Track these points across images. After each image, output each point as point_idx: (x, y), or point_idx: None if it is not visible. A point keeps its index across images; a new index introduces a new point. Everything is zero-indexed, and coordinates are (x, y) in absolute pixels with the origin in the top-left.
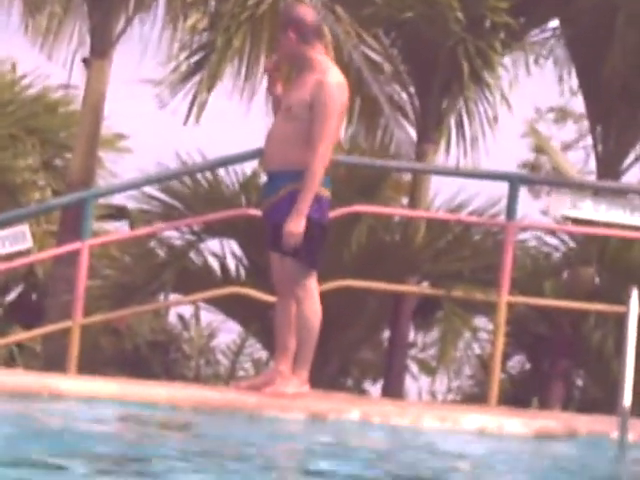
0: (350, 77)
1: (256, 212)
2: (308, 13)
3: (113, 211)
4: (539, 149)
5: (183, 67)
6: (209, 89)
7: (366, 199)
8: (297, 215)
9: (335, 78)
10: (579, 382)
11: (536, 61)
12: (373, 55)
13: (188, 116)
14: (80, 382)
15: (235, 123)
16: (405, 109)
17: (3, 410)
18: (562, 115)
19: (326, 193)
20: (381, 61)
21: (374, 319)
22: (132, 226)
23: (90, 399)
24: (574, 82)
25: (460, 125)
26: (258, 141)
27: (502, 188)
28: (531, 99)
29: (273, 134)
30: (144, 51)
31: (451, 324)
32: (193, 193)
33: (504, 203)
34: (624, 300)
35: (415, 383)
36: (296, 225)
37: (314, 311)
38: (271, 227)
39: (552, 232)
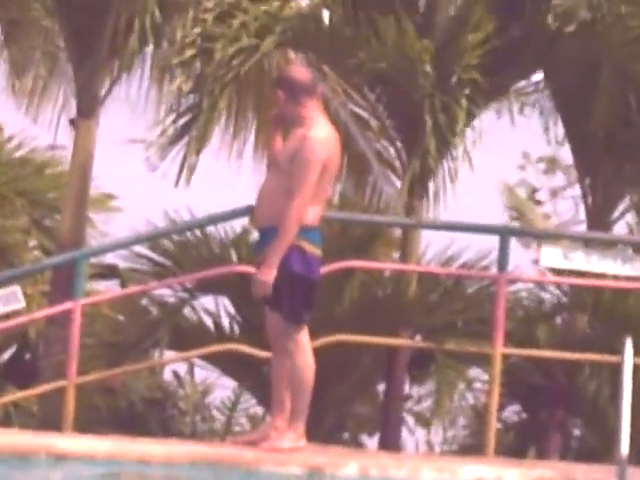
0: (338, 134)
1: (247, 269)
2: (299, 72)
3: (104, 270)
4: (514, 208)
5: (170, 130)
6: (198, 151)
7: (359, 255)
8: (266, 265)
9: (320, 133)
10: (576, 432)
11: (521, 111)
12: (360, 111)
13: (178, 178)
14: (77, 441)
15: (224, 182)
16: (394, 165)
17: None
18: (551, 165)
19: (313, 249)
20: (368, 117)
21: (368, 373)
22: (123, 285)
23: (89, 458)
24: (560, 132)
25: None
26: (247, 199)
27: (493, 240)
28: (519, 149)
29: (263, 190)
30: (131, 112)
31: (445, 376)
32: (183, 251)
33: (495, 255)
34: (618, 350)
35: (412, 436)
36: (264, 274)
37: (306, 364)
38: None
39: (544, 283)
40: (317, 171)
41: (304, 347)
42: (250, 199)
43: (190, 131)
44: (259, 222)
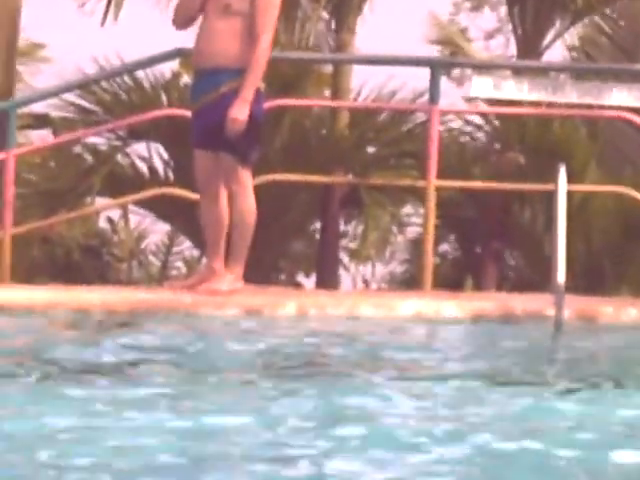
0: None
1: (179, 112)
2: None
3: (35, 121)
4: (443, 41)
5: None
6: None
7: (289, 94)
8: (242, 102)
9: None
10: (512, 262)
11: None
12: None
13: (105, 15)
14: (15, 292)
15: (153, 25)
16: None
17: None
18: (478, 2)
19: (261, 87)
20: None
21: (303, 212)
22: (55, 134)
23: (27, 309)
24: None
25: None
26: (175, 42)
27: (426, 79)
28: None
29: (208, 31)
30: None
31: (373, 211)
32: (114, 97)
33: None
34: (549, 179)
35: (348, 274)
36: (241, 112)
37: (249, 206)
38: (207, 124)
39: (474, 115)
40: (277, 7)
41: (248, 189)
42: (178, 42)
43: None
44: (204, 63)
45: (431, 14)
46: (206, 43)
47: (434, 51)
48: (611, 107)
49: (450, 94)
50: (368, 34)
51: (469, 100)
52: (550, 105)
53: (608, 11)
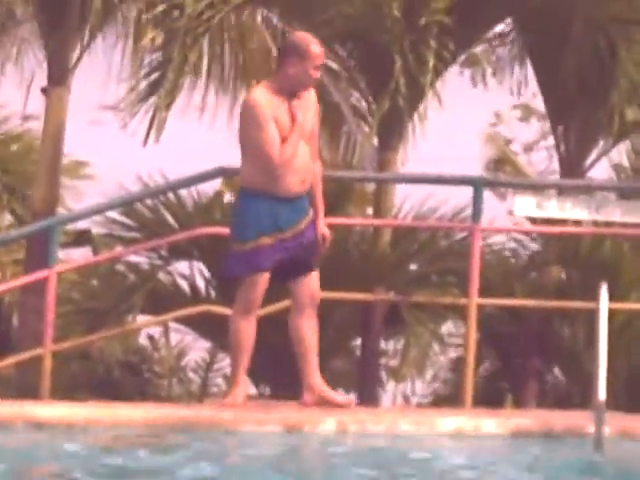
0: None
1: (220, 230)
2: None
3: (76, 237)
4: (498, 157)
5: (142, 85)
6: (167, 106)
7: (332, 212)
8: (324, 223)
9: None
10: (553, 379)
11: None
12: (332, 65)
13: (147, 135)
14: (55, 408)
15: (197, 144)
16: (366, 117)
17: None
18: (526, 112)
19: None
20: (339, 70)
21: (344, 328)
22: (95, 251)
23: (67, 425)
24: (533, 84)
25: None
26: (218, 161)
27: (468, 195)
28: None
29: (298, 158)
30: (104, 76)
31: (415, 330)
32: (156, 216)
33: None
34: (591, 297)
35: (389, 391)
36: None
37: None
38: (308, 245)
39: (517, 233)
40: None
41: None
42: (222, 160)
43: (161, 87)
44: (303, 188)
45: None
46: (302, 168)
47: (478, 169)
48: None
49: (491, 206)
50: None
51: (512, 215)
52: (596, 224)
53: None
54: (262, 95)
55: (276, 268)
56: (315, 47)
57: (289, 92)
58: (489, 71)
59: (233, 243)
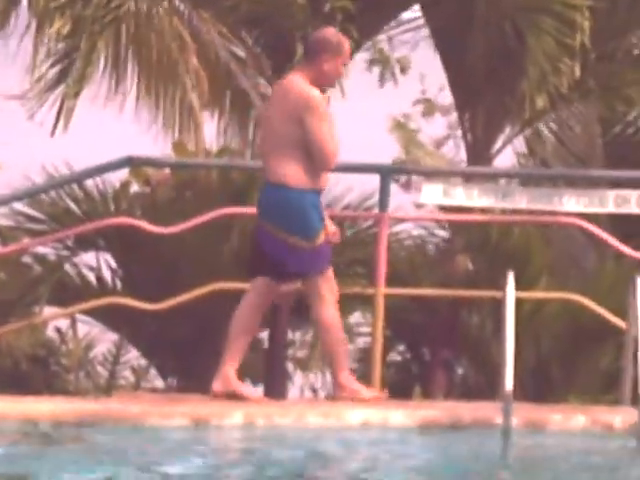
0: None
1: (128, 221)
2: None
3: None
4: (406, 145)
5: (49, 75)
6: (75, 95)
7: (239, 202)
8: None
9: None
10: (460, 369)
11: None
12: (238, 51)
13: (55, 125)
14: None
15: (103, 132)
16: None
17: None
18: (430, 108)
19: None
20: (245, 57)
21: None
22: (3, 243)
23: None
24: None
25: None
26: (126, 149)
27: (374, 183)
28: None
29: None
30: (7, 64)
31: None
32: (62, 207)
33: (377, 198)
34: (500, 285)
35: (296, 382)
36: None
37: None
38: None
39: (425, 221)
40: None
41: None
42: (129, 150)
43: (68, 76)
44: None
45: (391, 118)
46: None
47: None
48: (562, 213)
49: (396, 197)
50: None
51: (419, 206)
52: (504, 212)
53: (553, 116)
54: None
55: None
56: (347, 44)
57: (319, 87)
58: (397, 68)
59: (297, 242)
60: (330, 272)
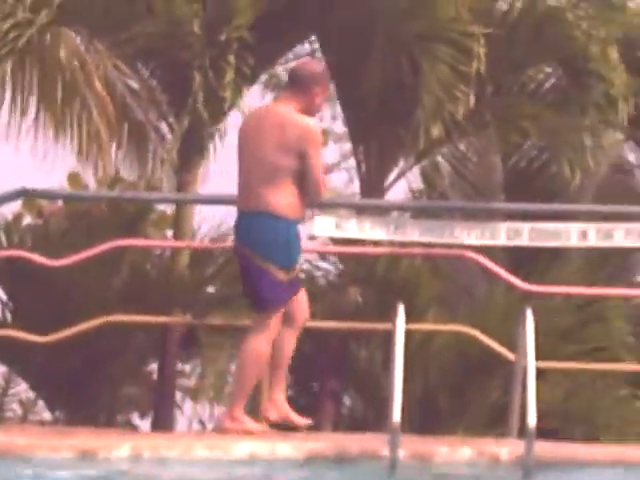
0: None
1: (20, 254)
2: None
3: None
4: None
5: None
6: None
7: (129, 233)
8: None
9: None
10: (349, 402)
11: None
12: (133, 84)
13: None
14: None
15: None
16: (166, 137)
17: None
18: (324, 136)
19: None
20: (139, 89)
21: (140, 353)
22: None
23: None
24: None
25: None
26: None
27: None
28: None
29: None
30: None
31: (214, 353)
32: None
33: None
34: (389, 317)
35: (186, 414)
36: None
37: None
38: None
39: (317, 254)
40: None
41: None
42: (26, 181)
43: None
44: None
45: None
46: None
47: None
48: (455, 246)
49: None
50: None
51: (311, 238)
52: (394, 244)
53: (451, 148)
54: None
55: None
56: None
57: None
58: None
59: (274, 271)
60: (303, 296)
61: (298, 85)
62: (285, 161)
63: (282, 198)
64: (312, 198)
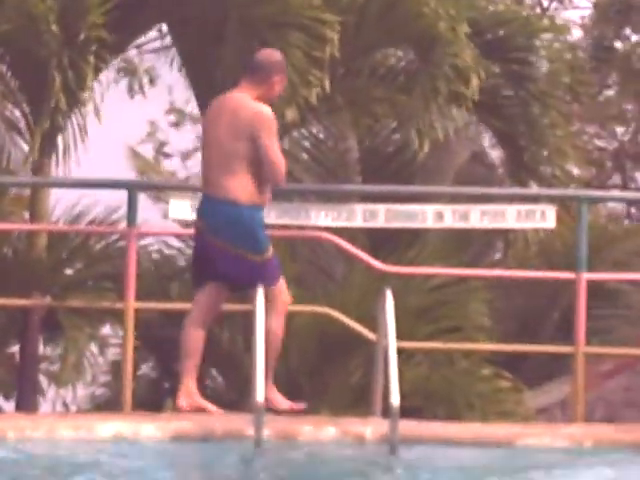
0: None
1: None
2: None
3: None
4: (142, 172)
5: None
6: None
7: None
8: None
9: None
10: (212, 383)
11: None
12: None
13: None
14: None
15: None
16: (19, 127)
17: None
18: (181, 117)
19: None
20: None
21: (2, 335)
22: None
23: None
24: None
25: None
26: None
27: (122, 196)
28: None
29: None
30: None
31: (72, 335)
32: None
33: (124, 210)
34: (250, 300)
35: (51, 397)
36: None
37: None
38: None
39: (176, 236)
40: None
41: None
42: None
43: None
44: None
45: (126, 146)
46: None
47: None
48: (311, 227)
49: (146, 207)
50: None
51: (173, 220)
52: None
53: (304, 131)
54: None
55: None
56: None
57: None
58: (145, 80)
59: (248, 255)
60: (282, 283)
61: (258, 74)
62: (239, 146)
63: (242, 184)
64: (272, 182)
